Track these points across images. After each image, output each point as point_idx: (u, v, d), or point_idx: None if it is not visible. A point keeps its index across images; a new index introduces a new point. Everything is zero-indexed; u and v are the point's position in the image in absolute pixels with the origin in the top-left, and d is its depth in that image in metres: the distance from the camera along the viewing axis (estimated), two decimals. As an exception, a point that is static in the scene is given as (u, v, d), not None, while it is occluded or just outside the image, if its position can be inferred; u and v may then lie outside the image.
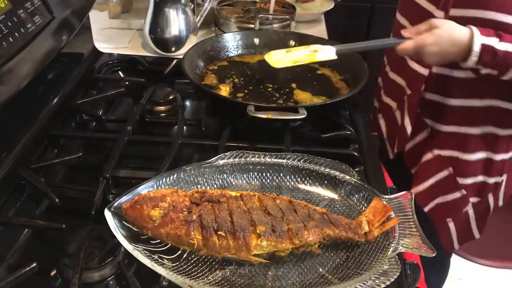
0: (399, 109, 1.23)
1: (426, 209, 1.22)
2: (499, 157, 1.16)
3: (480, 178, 1.18)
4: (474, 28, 0.97)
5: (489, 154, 1.16)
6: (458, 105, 1.12)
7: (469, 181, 1.18)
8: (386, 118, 1.31)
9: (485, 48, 0.95)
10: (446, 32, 0.97)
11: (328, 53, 1.09)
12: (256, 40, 1.31)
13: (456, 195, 1.19)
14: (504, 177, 1.20)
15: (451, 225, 1.23)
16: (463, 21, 1.00)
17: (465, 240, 1.27)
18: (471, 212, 1.21)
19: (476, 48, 0.95)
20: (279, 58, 1.09)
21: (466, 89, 1.10)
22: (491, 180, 1.19)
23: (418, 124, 1.19)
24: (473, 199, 1.20)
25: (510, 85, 1.04)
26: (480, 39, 0.95)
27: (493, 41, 0.96)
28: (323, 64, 1.24)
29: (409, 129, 1.19)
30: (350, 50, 1.11)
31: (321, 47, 1.10)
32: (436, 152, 1.18)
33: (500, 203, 1.25)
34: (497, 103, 1.10)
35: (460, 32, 0.97)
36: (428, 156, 1.20)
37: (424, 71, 1.12)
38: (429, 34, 0.98)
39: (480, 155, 1.16)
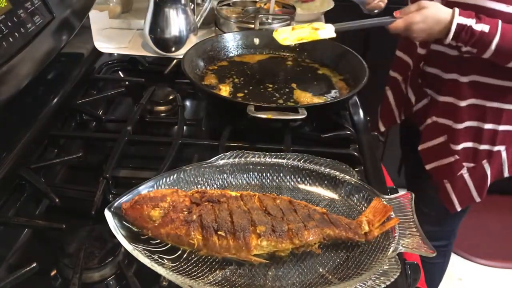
0: (404, 82, 1.41)
1: (427, 167, 1.36)
2: (488, 126, 1.27)
3: (470, 144, 1.30)
4: (456, 10, 1.08)
5: (477, 123, 1.27)
6: (449, 79, 1.25)
7: (460, 147, 1.30)
8: (392, 89, 1.48)
9: (462, 27, 1.07)
10: (432, 12, 1.09)
11: (328, 31, 1.15)
12: (256, 40, 1.31)
13: (450, 159, 1.32)
14: (502, 148, 1.29)
15: (448, 186, 1.35)
16: (457, 6, 1.10)
17: (466, 201, 1.36)
18: (466, 176, 1.32)
19: (453, 26, 1.07)
20: (285, 36, 1.14)
21: (456, 65, 1.23)
22: (482, 147, 1.29)
23: (420, 93, 1.35)
24: (467, 164, 1.31)
25: (491, 63, 1.14)
26: (457, 19, 1.07)
27: (471, 22, 1.07)
28: (323, 64, 1.25)
29: (413, 99, 1.37)
30: (347, 28, 1.17)
31: (322, 25, 1.16)
32: (435, 118, 1.32)
33: (506, 174, 1.35)
34: (480, 78, 1.21)
35: (444, 13, 1.09)
36: (428, 121, 1.34)
37: (422, 51, 1.27)
38: (417, 14, 1.10)
39: (468, 124, 1.27)
